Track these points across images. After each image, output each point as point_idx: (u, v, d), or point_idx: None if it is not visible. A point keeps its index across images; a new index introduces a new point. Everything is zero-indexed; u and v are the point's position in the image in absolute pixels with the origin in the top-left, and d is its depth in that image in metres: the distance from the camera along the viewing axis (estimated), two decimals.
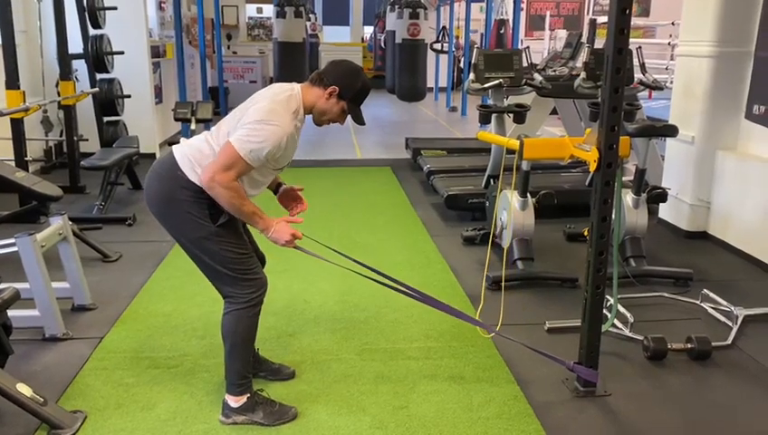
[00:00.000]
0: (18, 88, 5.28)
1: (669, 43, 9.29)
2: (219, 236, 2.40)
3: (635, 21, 9.83)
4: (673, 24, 9.10)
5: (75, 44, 6.52)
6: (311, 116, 2.54)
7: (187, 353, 3.10)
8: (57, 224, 3.43)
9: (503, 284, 3.53)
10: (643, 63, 5.01)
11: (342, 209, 5.79)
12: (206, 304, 3.52)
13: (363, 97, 2.54)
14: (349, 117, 2.57)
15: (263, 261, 2.75)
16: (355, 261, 2.75)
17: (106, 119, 6.97)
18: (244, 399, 2.53)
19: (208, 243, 2.40)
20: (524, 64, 5.29)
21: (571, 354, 2.85)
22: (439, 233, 5.12)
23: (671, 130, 4.20)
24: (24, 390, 2.40)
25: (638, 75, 5.05)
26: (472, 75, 5.06)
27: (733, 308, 3.50)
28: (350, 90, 2.48)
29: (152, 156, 7.08)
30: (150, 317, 3.51)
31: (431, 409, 2.67)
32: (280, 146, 2.34)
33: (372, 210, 5.81)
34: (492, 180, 5.14)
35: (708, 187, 4.87)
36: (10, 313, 2.67)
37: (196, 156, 2.40)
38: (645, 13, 13.13)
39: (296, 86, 2.48)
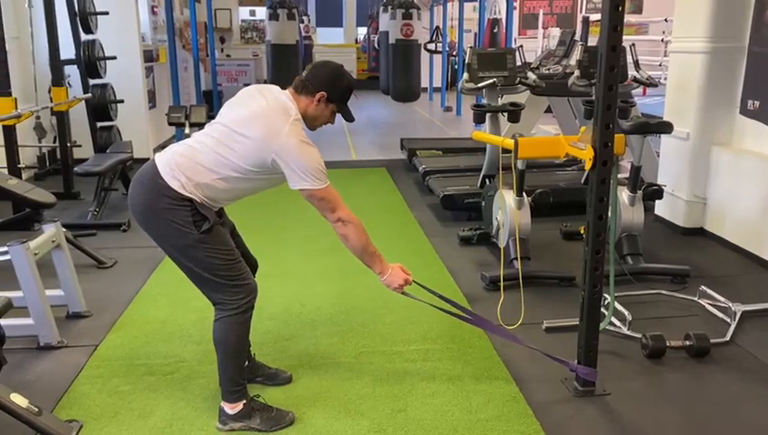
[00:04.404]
0: (10, 95, 5.27)
1: (663, 40, 9.30)
2: (204, 243, 2.37)
3: (628, 18, 9.84)
4: (666, 20, 9.11)
5: (67, 50, 6.49)
6: None
7: (183, 360, 3.09)
8: (50, 231, 3.40)
9: (520, 281, 3.52)
10: (637, 60, 5.00)
11: None
12: (202, 310, 3.48)
13: (349, 95, 2.57)
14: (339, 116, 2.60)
15: (254, 266, 2.73)
16: (457, 306, 2.90)
17: (99, 124, 6.94)
18: (240, 405, 2.51)
19: (193, 250, 2.38)
20: (518, 63, 5.28)
21: (569, 353, 2.83)
22: (436, 233, 5.10)
23: (666, 127, 4.19)
24: (18, 400, 2.37)
25: (631, 72, 5.05)
26: (466, 75, 5.05)
27: (730, 304, 3.49)
28: (337, 91, 2.50)
29: (146, 161, 7.07)
30: (146, 324, 3.48)
31: (430, 411, 2.65)
32: (320, 156, 2.42)
33: (368, 212, 5.79)
34: (487, 180, 5.13)
35: (704, 183, 4.86)
36: (3, 321, 2.64)
37: (179, 162, 2.39)
38: (638, 10, 13.13)
39: (290, 97, 2.46)
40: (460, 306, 2.94)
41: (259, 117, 2.38)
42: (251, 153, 2.36)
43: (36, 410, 2.39)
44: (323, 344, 3.24)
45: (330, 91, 2.47)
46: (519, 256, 3.97)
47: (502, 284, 3.68)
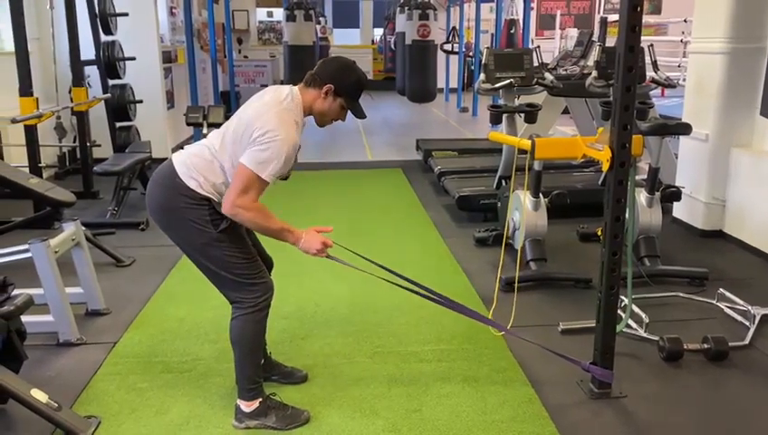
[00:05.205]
0: (32, 95, 5.33)
1: (682, 41, 9.23)
2: (221, 242, 2.39)
3: (646, 18, 9.76)
4: (685, 21, 9.04)
5: (87, 51, 6.58)
6: (311, 117, 2.54)
7: (200, 357, 3.11)
8: (70, 229, 3.45)
9: (516, 285, 3.51)
10: (655, 61, 4.96)
11: (354, 211, 5.79)
12: (219, 308, 3.50)
13: (360, 91, 2.53)
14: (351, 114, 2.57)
15: (270, 265, 2.74)
16: (387, 269, 2.72)
17: (118, 124, 7.02)
18: (256, 403, 2.53)
19: (211, 249, 2.40)
20: (535, 64, 5.26)
21: (585, 355, 2.82)
22: (451, 234, 5.10)
23: (684, 128, 4.16)
24: (38, 395, 2.41)
25: (650, 73, 5.01)
26: (482, 75, 5.04)
27: (750, 307, 3.45)
28: (345, 85, 2.47)
29: (164, 160, 7.14)
30: (164, 321, 3.52)
31: (444, 412, 2.65)
32: (288, 159, 2.34)
33: (384, 212, 5.80)
34: (503, 181, 5.11)
35: (723, 185, 4.81)
36: (24, 318, 2.69)
37: (195, 162, 2.41)
38: (656, 10, 13.03)
39: (294, 90, 2.47)
40: (411, 280, 2.74)
41: (256, 110, 2.39)
42: (243, 149, 2.35)
43: (56, 405, 2.43)
44: (338, 344, 3.25)
45: (337, 84, 2.45)
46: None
47: (497, 287, 3.68)
